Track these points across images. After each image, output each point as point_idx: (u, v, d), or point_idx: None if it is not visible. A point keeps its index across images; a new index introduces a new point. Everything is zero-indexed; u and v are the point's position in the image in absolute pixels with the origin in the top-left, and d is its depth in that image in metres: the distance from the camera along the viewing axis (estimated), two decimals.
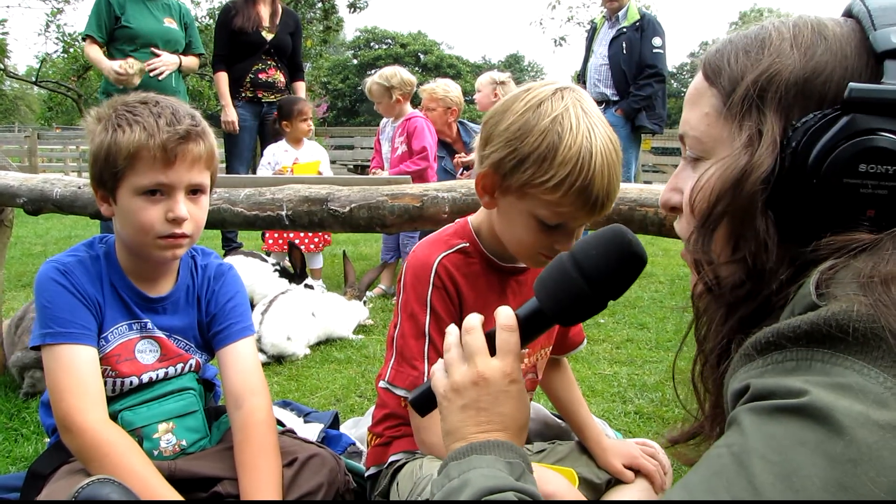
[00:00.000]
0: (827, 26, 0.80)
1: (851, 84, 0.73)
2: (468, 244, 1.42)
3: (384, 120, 5.09)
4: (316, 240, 4.87)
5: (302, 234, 4.77)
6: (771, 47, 0.80)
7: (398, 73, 4.77)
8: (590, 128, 1.22)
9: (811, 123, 0.75)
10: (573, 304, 0.88)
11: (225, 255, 4.68)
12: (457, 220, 1.52)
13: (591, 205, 1.24)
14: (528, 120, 1.23)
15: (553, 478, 1.25)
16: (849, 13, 0.82)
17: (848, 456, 0.57)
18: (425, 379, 1.25)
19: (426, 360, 1.35)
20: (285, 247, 4.68)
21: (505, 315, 0.91)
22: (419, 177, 4.34)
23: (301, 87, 5.51)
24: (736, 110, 0.80)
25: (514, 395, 0.89)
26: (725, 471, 0.61)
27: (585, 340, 1.74)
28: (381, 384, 1.41)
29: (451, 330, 0.95)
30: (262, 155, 5.71)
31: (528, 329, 0.91)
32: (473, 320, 0.93)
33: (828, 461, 0.58)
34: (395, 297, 1.51)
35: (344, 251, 4.27)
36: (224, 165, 5.47)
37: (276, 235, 4.83)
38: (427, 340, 1.35)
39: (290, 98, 4.98)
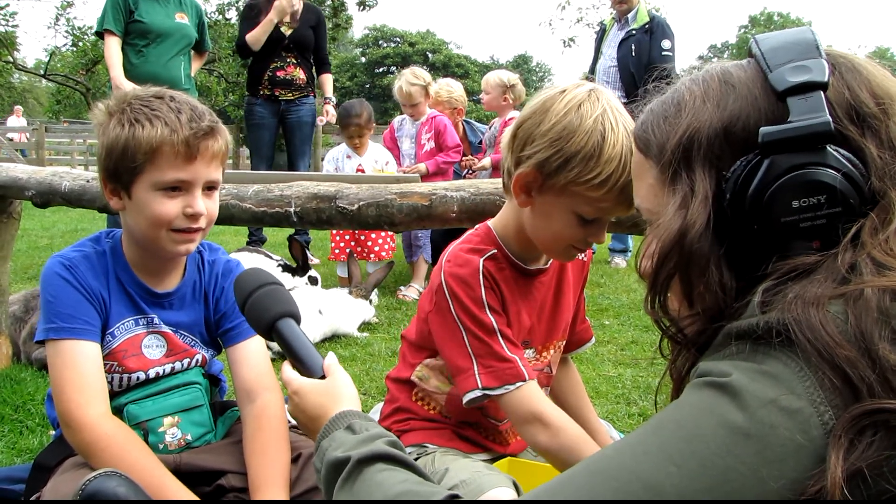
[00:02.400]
0: (732, 74, 0.84)
1: (762, 129, 0.78)
2: (496, 251, 1.45)
3: (398, 118, 5.11)
4: (386, 247, 4.72)
5: (371, 243, 4.60)
6: (686, 108, 0.84)
7: (424, 73, 4.94)
8: (626, 126, 1.29)
9: (738, 171, 0.79)
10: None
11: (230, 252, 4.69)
12: (476, 227, 1.54)
13: (630, 199, 1.30)
14: (571, 120, 1.28)
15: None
16: (750, 53, 0.86)
17: (744, 430, 0.68)
18: (519, 363, 1.37)
19: (507, 351, 1.38)
20: (343, 257, 4.54)
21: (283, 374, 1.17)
22: (446, 171, 4.72)
23: (327, 80, 5.52)
24: (667, 175, 0.84)
25: (304, 397, 1.13)
26: (647, 430, 0.75)
27: (594, 339, 1.75)
28: (472, 395, 1.37)
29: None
30: (283, 151, 5.74)
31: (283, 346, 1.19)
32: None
33: (727, 431, 0.69)
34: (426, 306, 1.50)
35: (350, 251, 4.26)
36: (248, 162, 5.50)
37: (341, 244, 4.59)
38: (499, 334, 1.38)
39: (348, 107, 4.68)
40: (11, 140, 16.89)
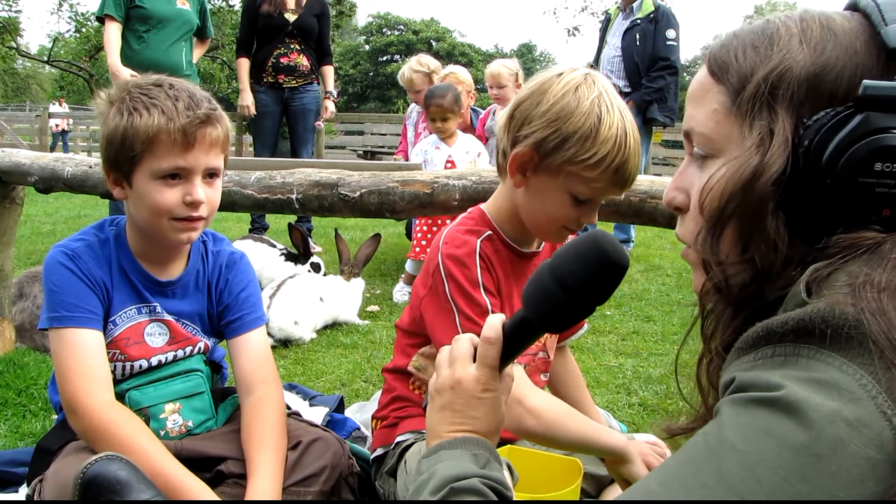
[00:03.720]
0: (835, 21, 0.79)
1: (865, 82, 0.72)
2: (491, 232, 1.47)
3: (410, 107, 5.11)
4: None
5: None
6: (780, 43, 0.78)
7: (430, 60, 4.84)
8: (621, 110, 1.33)
9: (824, 121, 0.74)
10: (556, 315, 0.88)
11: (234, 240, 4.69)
12: (469, 210, 1.54)
13: (623, 180, 1.35)
14: (569, 102, 1.32)
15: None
16: (854, 6, 0.81)
17: (813, 450, 0.60)
18: None
19: None
20: (423, 256, 4.25)
21: (490, 326, 0.93)
22: None
23: (329, 72, 5.48)
24: (746, 108, 0.78)
25: (488, 401, 0.93)
26: (697, 458, 0.65)
27: (586, 326, 1.77)
28: None
29: (457, 337, 0.99)
30: (286, 139, 5.71)
31: (518, 337, 0.93)
32: (489, 325, 0.94)
33: (792, 453, 0.60)
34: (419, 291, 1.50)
35: (336, 230, 4.25)
36: (251, 150, 5.46)
37: (423, 242, 4.28)
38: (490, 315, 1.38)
39: (432, 88, 4.36)
40: (58, 126, 17.01)
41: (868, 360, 0.62)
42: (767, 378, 0.65)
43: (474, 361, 0.94)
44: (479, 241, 1.43)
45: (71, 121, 18.28)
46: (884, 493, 0.60)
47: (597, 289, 0.86)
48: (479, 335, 1.32)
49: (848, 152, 0.72)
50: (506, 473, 1.31)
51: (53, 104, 20.91)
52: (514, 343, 0.93)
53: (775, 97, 0.76)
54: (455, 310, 1.39)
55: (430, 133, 4.52)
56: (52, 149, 15.81)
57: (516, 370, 1.36)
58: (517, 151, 1.36)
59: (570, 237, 1.56)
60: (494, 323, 0.93)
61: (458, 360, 0.95)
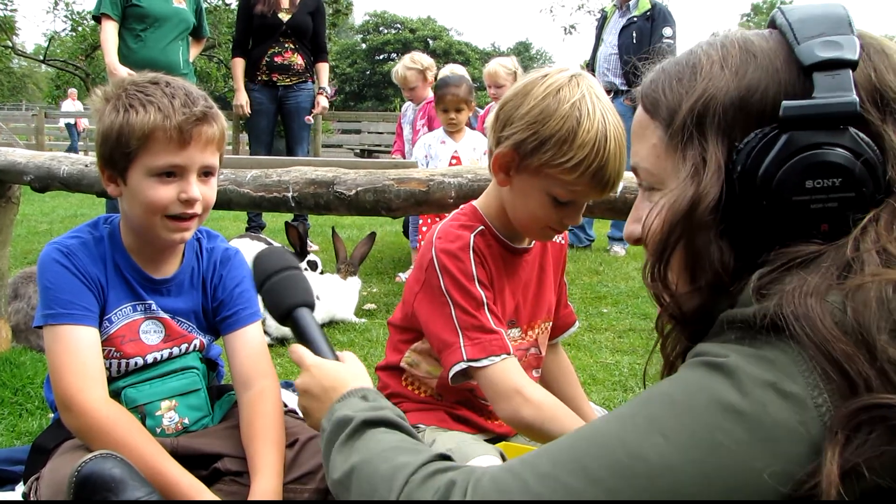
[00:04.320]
0: (754, 42, 0.81)
1: (784, 102, 0.75)
2: (484, 227, 1.47)
3: (405, 105, 5.12)
4: None
5: None
6: (702, 72, 0.82)
7: (424, 57, 4.84)
8: (604, 113, 1.32)
9: (753, 144, 0.76)
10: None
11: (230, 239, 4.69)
12: (462, 207, 1.55)
13: (603, 184, 1.35)
14: (549, 104, 1.32)
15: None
16: (773, 24, 0.83)
17: (737, 407, 0.67)
18: (505, 336, 1.39)
19: (494, 325, 1.39)
20: None
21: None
22: None
23: (324, 69, 5.49)
24: (678, 140, 0.81)
25: (323, 376, 1.16)
26: (639, 402, 0.75)
27: (577, 323, 1.79)
28: (457, 367, 1.38)
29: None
30: (282, 137, 5.71)
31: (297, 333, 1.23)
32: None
33: (719, 407, 0.68)
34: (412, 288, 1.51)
35: (333, 228, 4.25)
36: (248, 148, 5.46)
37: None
38: (486, 308, 1.40)
39: (446, 77, 4.33)
40: (74, 124, 16.67)
41: (802, 347, 0.69)
42: (717, 349, 0.73)
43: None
44: (472, 235, 1.44)
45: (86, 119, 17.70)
46: (796, 470, 0.65)
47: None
48: (474, 328, 1.38)
49: (778, 174, 0.74)
50: (497, 460, 1.32)
51: (65, 100, 20.06)
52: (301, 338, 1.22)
53: (703, 125, 0.79)
54: (451, 303, 1.39)
55: (430, 130, 4.52)
56: (75, 149, 15.44)
57: (508, 364, 1.37)
58: (498, 151, 1.38)
59: (557, 237, 1.58)
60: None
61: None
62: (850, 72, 0.75)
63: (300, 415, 1.74)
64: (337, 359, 1.18)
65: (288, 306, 1.20)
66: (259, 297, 1.28)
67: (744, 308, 0.74)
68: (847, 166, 0.73)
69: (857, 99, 0.74)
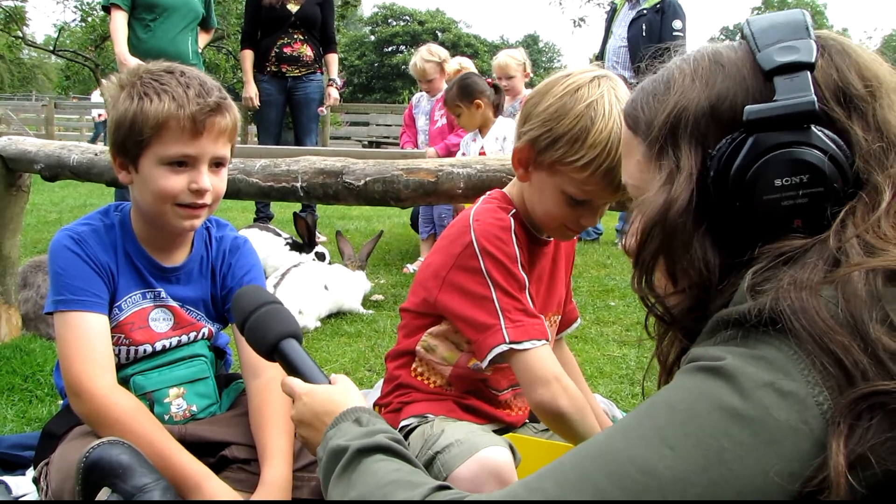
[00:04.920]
0: (722, 54, 0.85)
1: (747, 108, 0.78)
2: (516, 211, 1.49)
3: (417, 95, 5.12)
4: None
5: None
6: (675, 86, 0.85)
7: (440, 49, 4.91)
8: (621, 114, 1.28)
9: (724, 149, 0.80)
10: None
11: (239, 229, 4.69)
12: (489, 193, 1.56)
13: (615, 186, 1.34)
14: (565, 103, 1.34)
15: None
16: (741, 35, 0.87)
17: (740, 411, 0.68)
18: (545, 325, 1.39)
19: (533, 308, 1.40)
20: None
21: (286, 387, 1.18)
22: (455, 149, 4.55)
23: (333, 60, 5.49)
24: (655, 152, 0.85)
25: (312, 402, 1.13)
26: (640, 414, 0.74)
27: (580, 319, 1.80)
28: (498, 349, 1.36)
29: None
30: (290, 129, 5.71)
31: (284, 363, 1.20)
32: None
33: (721, 413, 0.68)
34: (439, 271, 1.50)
35: (338, 231, 4.27)
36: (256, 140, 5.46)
37: None
38: (527, 292, 1.41)
39: (460, 78, 4.31)
40: (101, 116, 16.53)
41: (799, 344, 0.69)
42: (713, 352, 0.74)
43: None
44: (510, 215, 1.46)
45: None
46: (803, 468, 0.66)
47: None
48: (517, 310, 1.38)
49: (748, 174, 0.78)
50: (508, 454, 1.32)
51: (94, 91, 19.73)
52: (288, 368, 1.19)
53: (676, 135, 0.83)
54: (492, 285, 1.38)
55: (449, 119, 4.62)
56: (94, 140, 15.46)
57: (548, 350, 1.37)
58: (516, 146, 1.41)
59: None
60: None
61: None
62: (808, 73, 0.78)
63: None
64: (330, 382, 1.15)
65: (272, 341, 1.18)
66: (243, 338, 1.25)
67: (737, 306, 0.75)
68: (813, 162, 0.76)
69: (815, 98, 0.77)
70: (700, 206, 0.80)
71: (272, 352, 1.19)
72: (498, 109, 4.20)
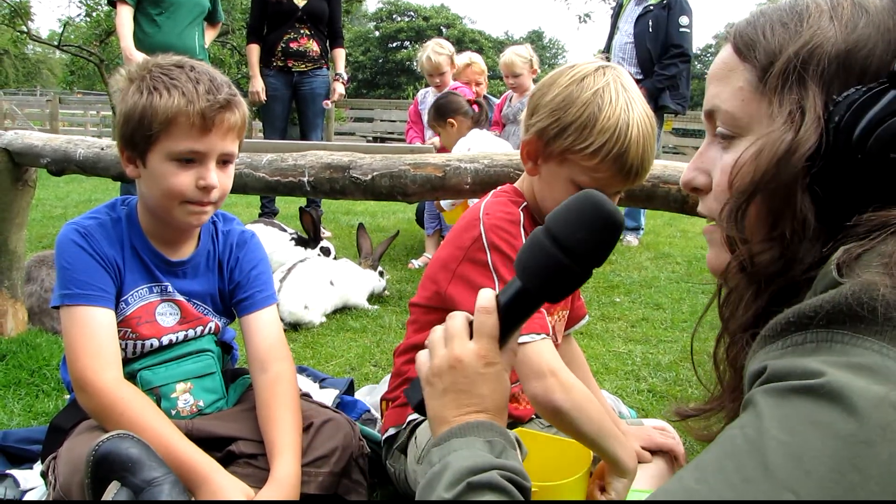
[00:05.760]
0: None
1: None
2: (527, 204, 1.49)
3: (422, 92, 5.12)
4: None
5: None
6: (810, 20, 0.77)
7: (447, 43, 4.91)
8: (628, 101, 1.34)
9: (855, 98, 0.72)
10: (555, 278, 0.83)
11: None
12: (500, 187, 1.56)
13: (626, 172, 1.36)
14: (571, 92, 1.35)
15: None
16: None
17: (861, 437, 0.56)
18: (546, 318, 1.35)
19: None
20: None
21: (484, 297, 0.89)
22: None
23: (339, 55, 5.47)
24: (774, 84, 0.77)
25: (491, 376, 0.88)
26: (738, 452, 0.60)
27: (588, 316, 1.79)
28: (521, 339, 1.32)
29: (450, 315, 0.94)
30: (296, 124, 5.70)
31: (516, 310, 0.88)
32: (482, 297, 0.89)
33: (840, 442, 0.56)
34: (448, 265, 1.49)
35: (361, 224, 4.26)
36: (261, 135, 5.46)
37: None
38: None
39: (436, 99, 4.35)
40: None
41: None
42: (805, 365, 0.61)
43: (471, 338, 0.89)
44: (520, 209, 1.46)
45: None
46: None
47: (598, 249, 0.83)
48: None
49: (879, 129, 0.70)
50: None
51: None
52: (512, 316, 0.88)
53: (806, 73, 0.75)
54: (497, 279, 1.38)
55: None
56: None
57: (546, 345, 1.35)
58: (524, 139, 1.42)
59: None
60: (487, 294, 0.89)
61: (454, 336, 0.89)
62: None
63: (314, 398, 1.75)
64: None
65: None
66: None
67: (821, 297, 0.64)
68: None
69: None
70: (820, 155, 0.73)
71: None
72: (479, 124, 4.19)
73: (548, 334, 1.37)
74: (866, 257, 0.66)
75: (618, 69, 1.39)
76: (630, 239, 5.62)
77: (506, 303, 0.88)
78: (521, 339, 1.34)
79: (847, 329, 0.62)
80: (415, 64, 5.12)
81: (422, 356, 0.93)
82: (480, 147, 3.81)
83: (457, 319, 0.91)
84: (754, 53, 0.80)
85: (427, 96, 5.03)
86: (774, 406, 0.61)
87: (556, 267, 0.82)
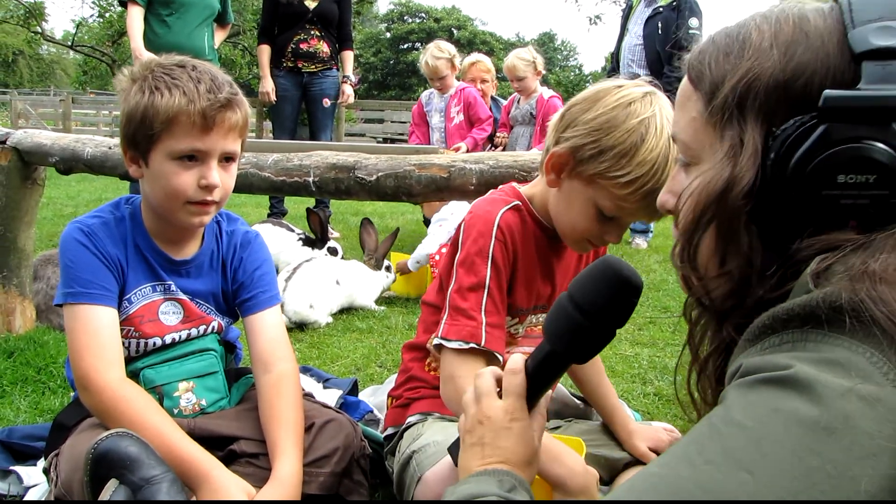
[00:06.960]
0: (809, 20, 0.75)
1: (826, 92, 0.69)
2: (520, 203, 1.46)
3: (426, 93, 5.12)
4: None
5: None
6: (751, 49, 0.76)
7: (448, 45, 4.97)
8: (670, 137, 1.28)
9: (789, 132, 0.72)
10: (579, 340, 0.91)
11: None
12: (500, 187, 1.55)
13: (652, 209, 1.31)
14: (617, 115, 1.29)
15: (564, 456, 1.25)
16: None
17: (822, 424, 0.58)
18: (482, 327, 1.35)
19: (483, 312, 1.38)
20: None
21: (513, 360, 0.96)
22: (482, 143, 4.67)
23: (349, 57, 5.49)
24: (717, 118, 0.78)
25: (516, 431, 0.93)
26: (701, 437, 0.63)
27: None
28: (434, 341, 1.40)
29: (480, 372, 1.00)
30: (305, 125, 5.72)
31: (545, 371, 0.95)
32: (512, 361, 0.96)
33: (802, 428, 0.58)
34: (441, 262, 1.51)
35: (367, 219, 4.24)
36: (272, 136, 5.48)
37: None
38: (486, 292, 1.39)
39: None
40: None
41: (876, 342, 0.61)
42: (775, 360, 0.64)
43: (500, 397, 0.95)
44: (501, 210, 1.43)
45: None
46: None
47: (617, 311, 0.89)
48: (459, 309, 1.36)
49: (810, 164, 0.70)
50: None
51: None
52: (541, 378, 0.95)
53: (744, 106, 0.75)
54: (454, 279, 1.40)
55: (467, 116, 4.66)
56: None
57: (474, 353, 1.36)
58: (555, 150, 1.35)
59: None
60: (517, 359, 0.96)
61: (483, 395, 0.96)
62: None
63: (316, 398, 1.75)
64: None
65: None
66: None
67: (799, 300, 0.66)
68: (885, 163, 0.68)
69: None
70: (759, 189, 0.73)
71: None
72: None
73: (479, 344, 1.35)
74: (834, 269, 0.67)
75: (662, 98, 1.34)
76: (639, 242, 5.60)
77: (534, 366, 0.95)
78: (450, 344, 1.36)
79: (819, 328, 0.63)
80: (420, 67, 5.15)
81: (461, 417, 1.00)
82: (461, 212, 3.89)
83: (485, 377, 0.98)
84: (702, 84, 0.81)
85: (432, 98, 5.04)
86: (741, 395, 0.64)
87: (578, 330, 0.89)
